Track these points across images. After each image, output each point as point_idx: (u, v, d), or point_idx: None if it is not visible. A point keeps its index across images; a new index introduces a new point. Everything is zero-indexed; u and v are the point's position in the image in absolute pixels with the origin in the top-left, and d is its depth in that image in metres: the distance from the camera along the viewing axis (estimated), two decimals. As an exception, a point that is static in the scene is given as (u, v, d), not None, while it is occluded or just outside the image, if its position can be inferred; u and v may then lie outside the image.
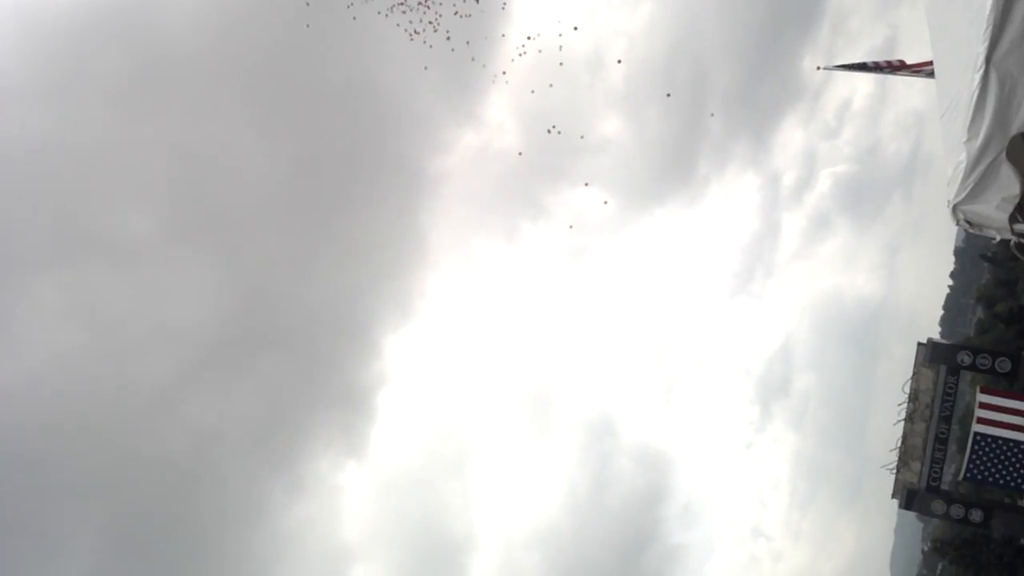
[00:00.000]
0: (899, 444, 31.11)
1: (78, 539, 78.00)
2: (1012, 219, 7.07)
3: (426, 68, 54.34)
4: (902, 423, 31.02)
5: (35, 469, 71.09)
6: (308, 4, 54.64)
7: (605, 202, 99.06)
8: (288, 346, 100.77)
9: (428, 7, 51.27)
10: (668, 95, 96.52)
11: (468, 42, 53.56)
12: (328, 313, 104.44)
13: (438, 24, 51.32)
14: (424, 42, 51.46)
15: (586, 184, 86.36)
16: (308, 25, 56.03)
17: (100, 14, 77.85)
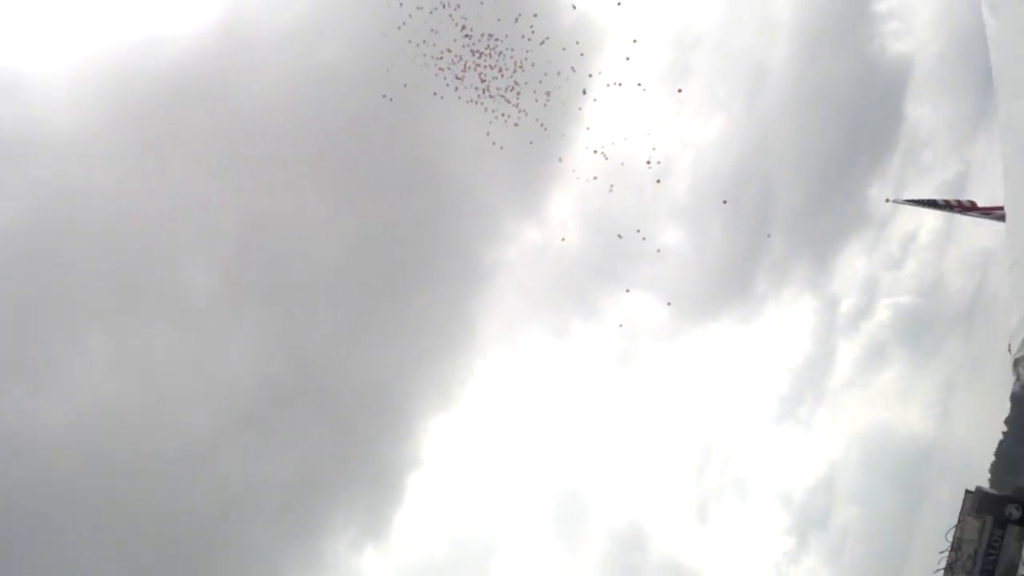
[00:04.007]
0: (938, 594, 29.85)
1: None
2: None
3: (501, 148, 55.85)
4: (942, 572, 29.80)
5: (67, 514, 71.68)
6: (390, 100, 57.15)
7: (668, 303, 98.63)
8: (326, 415, 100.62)
9: (509, 98, 53.40)
10: (725, 202, 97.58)
11: (544, 127, 55.21)
12: (370, 388, 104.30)
13: (520, 116, 53.38)
14: (506, 122, 53.34)
15: (627, 290, 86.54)
16: (391, 99, 58.14)
17: (185, 78, 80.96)
